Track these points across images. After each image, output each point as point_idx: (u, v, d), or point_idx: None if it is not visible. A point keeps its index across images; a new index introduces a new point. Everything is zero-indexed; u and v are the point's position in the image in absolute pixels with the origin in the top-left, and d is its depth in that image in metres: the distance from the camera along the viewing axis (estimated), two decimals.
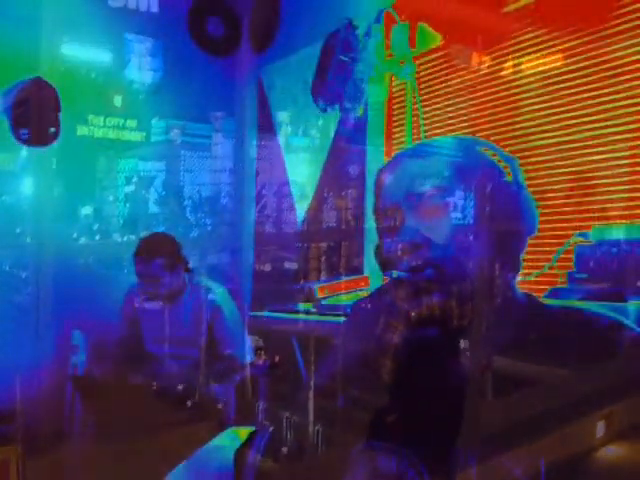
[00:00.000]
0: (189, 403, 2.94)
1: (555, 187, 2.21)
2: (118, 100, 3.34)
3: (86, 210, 3.31)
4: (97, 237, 3.31)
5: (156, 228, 3.50)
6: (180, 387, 2.62)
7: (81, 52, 3.29)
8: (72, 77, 3.20)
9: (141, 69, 3.35)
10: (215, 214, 3.75)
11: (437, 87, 2.69)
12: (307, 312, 2.36)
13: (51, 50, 3.03)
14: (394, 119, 2.90)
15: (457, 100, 2.59)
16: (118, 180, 3.56)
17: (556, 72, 2.21)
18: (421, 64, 2.69)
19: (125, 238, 3.43)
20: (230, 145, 3.78)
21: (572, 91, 2.17)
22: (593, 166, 2.11)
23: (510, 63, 2.38)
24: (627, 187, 2.02)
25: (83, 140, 3.29)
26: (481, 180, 0.90)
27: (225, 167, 3.75)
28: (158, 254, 2.84)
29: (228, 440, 1.53)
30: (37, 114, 3.15)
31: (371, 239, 0.98)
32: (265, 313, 2.50)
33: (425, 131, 2.33)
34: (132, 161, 3.60)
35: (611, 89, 2.06)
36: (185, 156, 3.70)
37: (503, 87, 2.41)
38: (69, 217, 3.25)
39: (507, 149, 2.24)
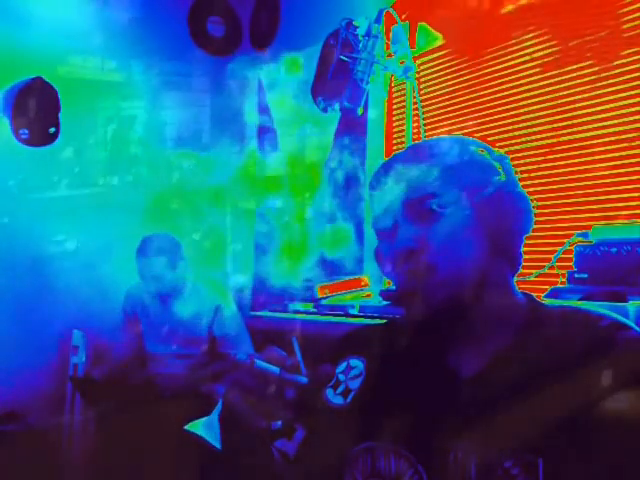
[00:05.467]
0: (153, 361, 2.94)
1: (555, 187, 2.22)
2: (97, 39, 3.24)
3: (67, 153, 3.27)
4: (78, 179, 3.28)
5: (137, 170, 3.47)
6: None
7: None
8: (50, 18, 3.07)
9: (120, 6, 3.25)
10: (197, 156, 3.67)
11: (437, 87, 2.69)
12: (307, 312, 2.37)
13: None
14: (394, 119, 2.90)
15: (457, 100, 2.59)
16: (98, 121, 3.51)
17: (556, 72, 2.22)
18: (421, 64, 2.69)
19: (107, 179, 3.40)
20: (210, 82, 3.71)
21: (573, 91, 2.17)
22: (593, 166, 2.11)
23: (510, 62, 2.38)
24: (628, 187, 2.02)
25: (63, 81, 3.24)
26: (475, 181, 0.90)
27: (205, 104, 3.67)
28: (160, 253, 2.85)
29: None
30: (37, 114, 3.15)
31: (371, 239, 0.98)
32: (265, 313, 2.50)
33: (425, 131, 2.33)
34: (112, 102, 3.55)
35: (612, 88, 2.06)
36: (165, 95, 3.63)
37: (503, 87, 2.41)
38: (50, 161, 3.21)
39: (507, 149, 2.24)
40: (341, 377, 1.00)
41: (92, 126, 3.31)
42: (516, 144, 2.33)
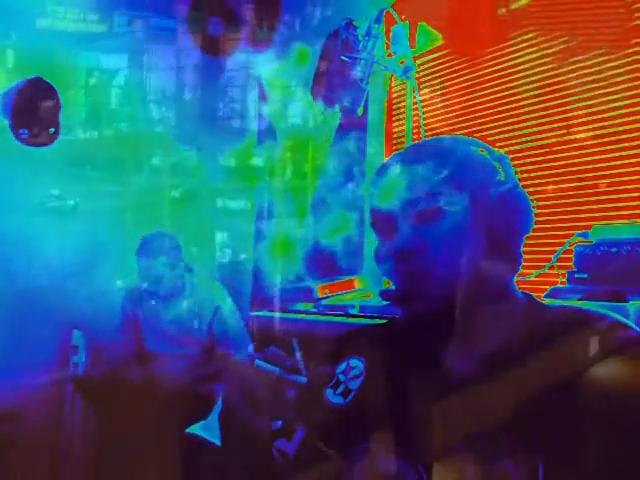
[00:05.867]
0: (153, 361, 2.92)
1: (555, 187, 2.22)
2: None
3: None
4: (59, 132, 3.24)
5: (119, 124, 3.43)
6: None
7: None
8: None
9: None
10: (179, 109, 3.63)
11: (437, 87, 2.69)
12: (307, 312, 2.37)
13: None
14: (394, 119, 2.90)
15: (457, 100, 2.59)
16: (79, 74, 3.45)
17: (556, 72, 2.22)
18: (421, 64, 2.69)
19: (87, 134, 3.37)
20: (194, 39, 3.62)
21: (573, 91, 2.17)
22: (594, 166, 2.12)
23: (509, 63, 2.38)
24: (628, 187, 2.02)
25: (43, 32, 3.17)
26: (476, 181, 0.90)
27: (189, 61, 3.61)
28: (159, 253, 2.86)
29: None
30: (37, 114, 3.14)
31: (371, 239, 0.98)
32: (265, 313, 2.50)
33: (425, 131, 2.33)
34: (94, 54, 3.49)
35: (612, 89, 2.06)
36: (148, 50, 3.56)
37: (503, 87, 2.41)
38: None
39: (507, 149, 2.24)
40: (341, 377, 1.00)
41: (72, 77, 3.25)
42: (516, 144, 2.33)
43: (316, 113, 3.13)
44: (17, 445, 2.88)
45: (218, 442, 0.86)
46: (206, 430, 1.53)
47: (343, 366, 1.01)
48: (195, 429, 1.66)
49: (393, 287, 0.93)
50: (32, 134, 3.15)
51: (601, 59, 2.08)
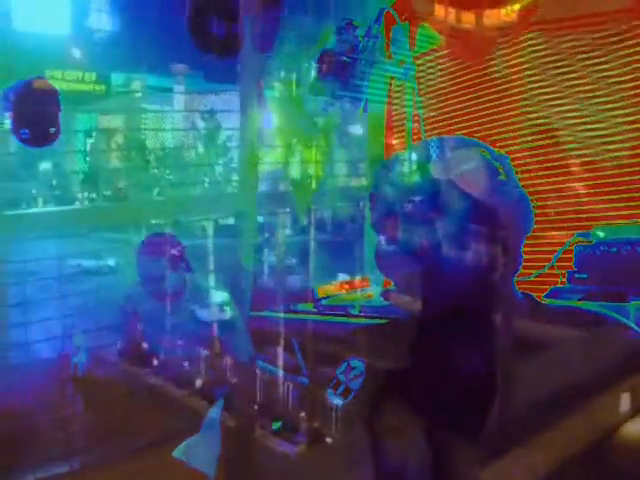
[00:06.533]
0: (155, 362, 2.93)
1: (555, 187, 2.22)
2: (77, 53, 3.15)
3: (44, 165, 3.22)
4: (56, 192, 3.27)
5: (118, 183, 3.45)
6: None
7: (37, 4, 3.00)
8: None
9: (101, 20, 3.16)
10: (180, 169, 3.64)
11: (437, 87, 2.69)
12: (307, 312, 2.37)
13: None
14: (394, 119, 2.90)
15: (457, 100, 2.59)
16: (77, 134, 3.45)
17: (555, 73, 2.22)
18: (421, 64, 2.69)
19: (85, 194, 3.38)
20: (193, 98, 3.64)
21: (573, 91, 2.17)
22: (594, 166, 2.12)
23: (509, 63, 2.38)
24: (628, 187, 2.02)
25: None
26: (477, 181, 0.90)
27: (188, 121, 3.63)
28: (161, 254, 2.85)
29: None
30: (37, 114, 3.14)
31: (371, 240, 0.98)
32: (265, 313, 2.50)
33: (425, 131, 2.33)
34: (91, 115, 3.50)
35: (615, 87, 2.06)
36: (146, 109, 3.58)
37: (503, 87, 2.41)
38: (27, 173, 3.16)
39: (507, 149, 2.24)
40: (341, 377, 1.00)
41: (70, 138, 3.27)
42: (516, 144, 2.33)
43: (317, 113, 3.13)
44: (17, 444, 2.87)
45: (211, 472, 0.87)
46: (190, 454, 1.49)
47: (344, 366, 1.02)
48: (181, 453, 1.62)
49: (394, 288, 0.93)
50: (33, 134, 3.14)
51: (602, 59, 2.08)
